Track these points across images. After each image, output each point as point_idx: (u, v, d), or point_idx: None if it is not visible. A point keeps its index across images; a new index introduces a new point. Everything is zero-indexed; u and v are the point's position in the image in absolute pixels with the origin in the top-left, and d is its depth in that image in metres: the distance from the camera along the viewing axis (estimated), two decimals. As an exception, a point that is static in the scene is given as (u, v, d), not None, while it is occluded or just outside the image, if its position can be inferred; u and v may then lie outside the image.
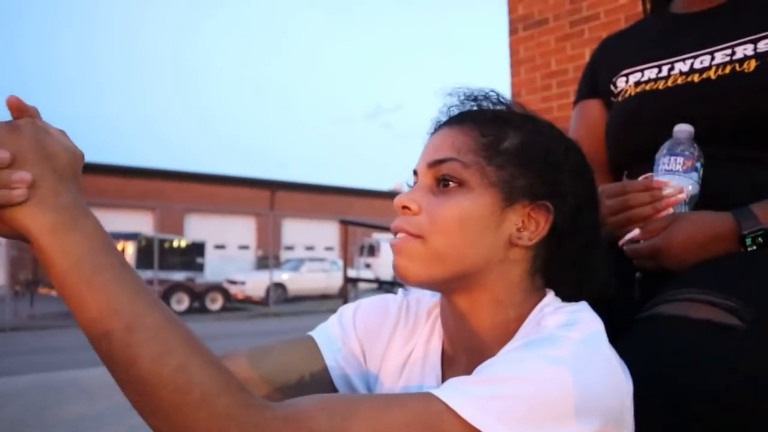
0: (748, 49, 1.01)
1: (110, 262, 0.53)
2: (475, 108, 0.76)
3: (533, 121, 0.74)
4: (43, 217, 0.52)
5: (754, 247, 0.87)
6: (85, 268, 0.51)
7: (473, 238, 0.68)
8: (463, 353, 0.73)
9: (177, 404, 0.50)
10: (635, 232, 0.94)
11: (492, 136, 0.70)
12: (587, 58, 1.36)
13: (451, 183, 0.69)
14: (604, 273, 0.74)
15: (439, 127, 0.75)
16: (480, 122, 0.71)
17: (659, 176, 0.97)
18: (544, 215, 0.69)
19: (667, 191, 0.93)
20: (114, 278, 0.52)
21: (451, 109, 0.77)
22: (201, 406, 0.50)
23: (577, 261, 0.71)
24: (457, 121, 0.73)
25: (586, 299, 0.70)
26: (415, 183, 0.74)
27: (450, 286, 0.71)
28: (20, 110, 0.57)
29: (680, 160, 0.95)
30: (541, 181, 0.69)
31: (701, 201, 0.96)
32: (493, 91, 0.77)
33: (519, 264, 0.70)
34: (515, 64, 4.05)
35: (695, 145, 0.96)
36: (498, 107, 0.76)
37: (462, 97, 0.77)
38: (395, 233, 0.71)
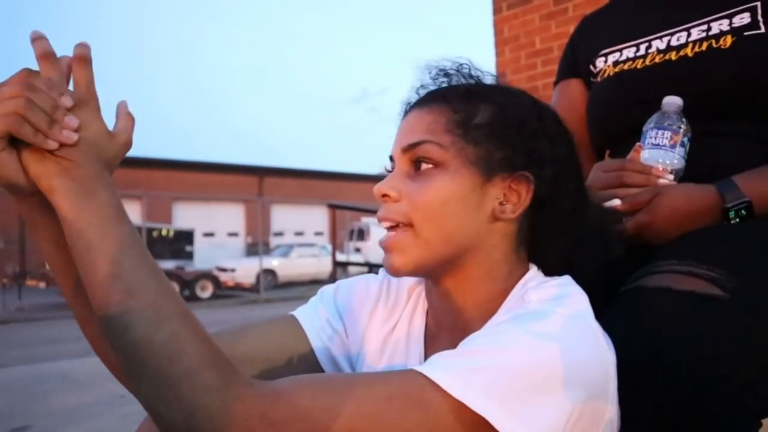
0: (723, 25, 1.00)
1: (118, 233, 0.55)
2: (445, 84, 0.75)
3: (503, 92, 0.73)
4: (61, 181, 0.55)
5: (737, 220, 0.87)
6: (92, 234, 0.54)
7: (457, 218, 0.67)
8: (447, 331, 0.73)
9: (164, 373, 0.51)
10: (616, 202, 0.93)
11: (463, 113, 0.69)
12: (572, 36, 1.34)
13: (427, 165, 0.68)
14: (598, 236, 0.75)
15: (410, 109, 0.74)
16: (450, 100, 0.71)
17: (645, 149, 0.97)
18: (525, 185, 0.69)
19: (662, 182, 0.93)
20: (120, 246, 0.54)
21: (420, 89, 0.76)
22: (186, 376, 0.51)
23: (565, 226, 0.72)
24: (426, 101, 0.72)
25: (578, 267, 0.71)
26: (392, 168, 0.73)
27: (438, 271, 0.70)
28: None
29: (667, 134, 0.95)
30: (518, 151, 0.69)
31: (684, 177, 0.96)
32: (466, 62, 0.77)
33: (504, 238, 0.70)
34: (499, 43, 4.02)
35: (683, 118, 0.96)
36: (469, 81, 0.75)
37: (433, 74, 0.76)
38: (380, 221, 0.70)
